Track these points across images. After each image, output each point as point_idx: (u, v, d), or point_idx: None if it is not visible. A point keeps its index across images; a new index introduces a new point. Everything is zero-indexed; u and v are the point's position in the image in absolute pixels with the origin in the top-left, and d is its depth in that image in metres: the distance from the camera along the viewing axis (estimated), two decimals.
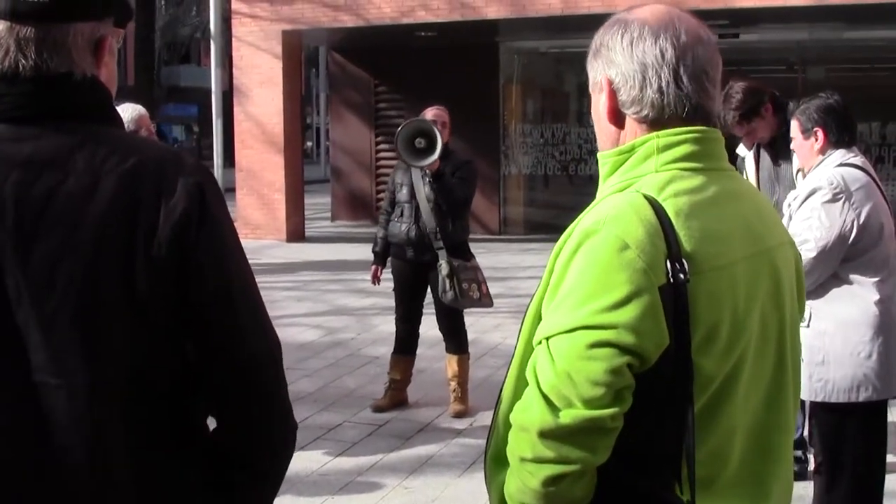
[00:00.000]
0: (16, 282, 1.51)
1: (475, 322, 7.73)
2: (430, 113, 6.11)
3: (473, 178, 6.16)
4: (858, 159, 3.66)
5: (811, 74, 15.13)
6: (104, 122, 1.61)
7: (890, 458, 5.26)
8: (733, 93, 4.58)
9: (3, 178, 1.51)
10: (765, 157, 4.92)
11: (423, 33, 15.54)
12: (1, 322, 1.51)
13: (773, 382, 1.63)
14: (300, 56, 17.16)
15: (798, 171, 4.32)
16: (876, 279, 3.57)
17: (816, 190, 3.56)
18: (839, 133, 3.68)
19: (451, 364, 6.20)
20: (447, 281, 5.87)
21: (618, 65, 1.61)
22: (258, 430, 1.64)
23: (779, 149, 4.75)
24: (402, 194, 6.11)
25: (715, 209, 1.56)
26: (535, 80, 17.69)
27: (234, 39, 15.95)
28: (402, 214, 6.09)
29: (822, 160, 3.68)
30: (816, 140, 3.69)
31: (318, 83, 38.25)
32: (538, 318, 1.59)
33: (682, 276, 1.47)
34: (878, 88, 14.95)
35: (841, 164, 3.62)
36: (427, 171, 5.88)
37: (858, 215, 3.51)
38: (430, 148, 5.73)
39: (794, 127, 3.80)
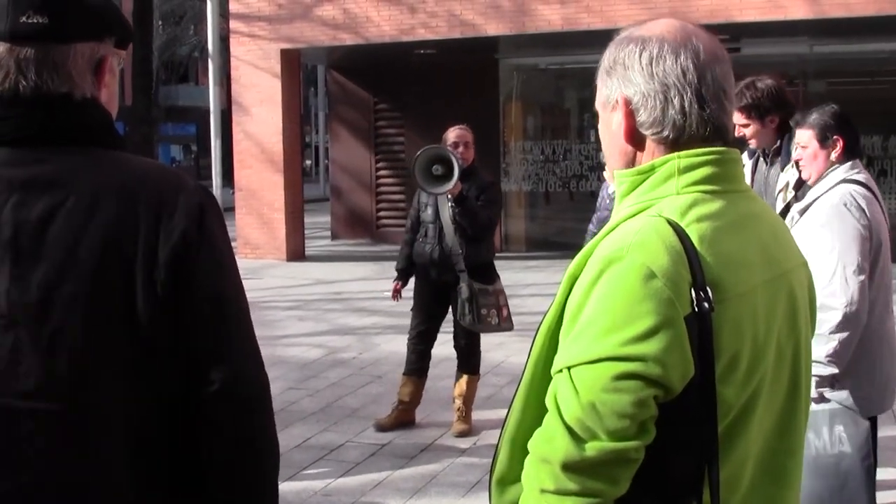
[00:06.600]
0: (11, 304, 1.47)
1: None
2: (452, 134, 6.11)
3: (498, 199, 6.31)
4: (862, 175, 3.58)
5: (812, 88, 15.13)
6: (105, 145, 1.59)
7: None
8: (760, 85, 4.45)
9: (3, 201, 1.50)
10: (762, 166, 4.89)
11: (422, 51, 15.55)
12: None
13: (786, 407, 1.62)
14: (299, 75, 17.15)
15: (783, 187, 4.22)
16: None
17: (832, 218, 3.45)
18: (856, 142, 3.62)
19: (459, 383, 6.16)
20: (466, 305, 5.92)
21: (636, 84, 1.57)
22: (241, 468, 1.57)
23: (772, 160, 4.72)
24: (427, 214, 6.11)
25: (736, 234, 1.54)
26: (535, 96, 17.69)
27: (232, 58, 15.95)
28: (426, 235, 6.10)
29: (828, 173, 3.58)
30: (835, 148, 3.59)
31: (317, 102, 38.38)
32: (550, 342, 1.55)
33: (706, 304, 1.44)
34: (879, 102, 14.93)
35: (845, 181, 3.53)
36: (449, 196, 5.88)
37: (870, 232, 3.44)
38: (448, 173, 5.74)
39: (808, 135, 3.65)
